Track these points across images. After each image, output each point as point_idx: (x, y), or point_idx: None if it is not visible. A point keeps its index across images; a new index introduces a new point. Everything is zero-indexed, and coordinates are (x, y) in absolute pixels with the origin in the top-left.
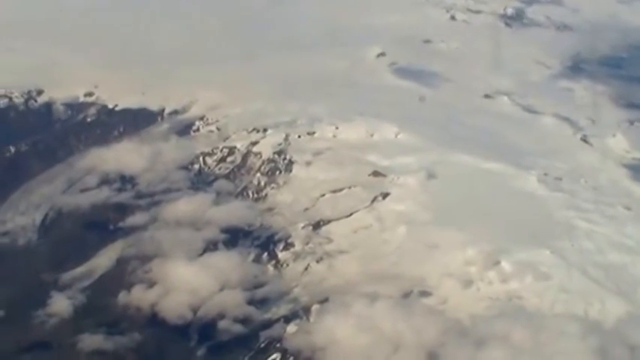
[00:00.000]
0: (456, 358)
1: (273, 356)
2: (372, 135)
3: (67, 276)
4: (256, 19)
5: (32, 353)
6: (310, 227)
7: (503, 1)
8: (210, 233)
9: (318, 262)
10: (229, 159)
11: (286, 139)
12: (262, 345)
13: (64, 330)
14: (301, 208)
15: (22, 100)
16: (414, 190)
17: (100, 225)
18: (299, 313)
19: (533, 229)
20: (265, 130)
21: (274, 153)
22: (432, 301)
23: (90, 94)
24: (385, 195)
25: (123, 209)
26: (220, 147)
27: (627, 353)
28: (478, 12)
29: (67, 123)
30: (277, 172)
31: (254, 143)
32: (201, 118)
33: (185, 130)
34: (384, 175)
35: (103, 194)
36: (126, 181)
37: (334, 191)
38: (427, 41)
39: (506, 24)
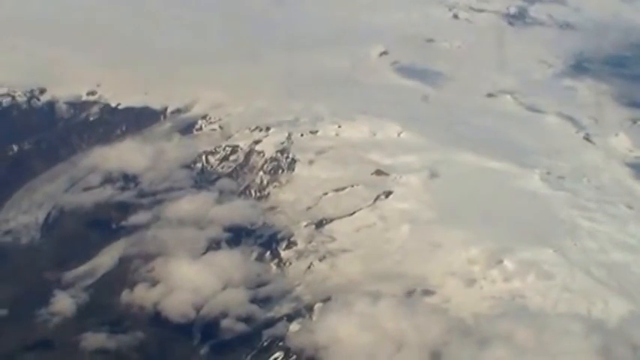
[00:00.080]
0: (459, 357)
1: (276, 355)
2: (374, 134)
3: (69, 275)
4: (259, 18)
5: (35, 352)
6: (313, 226)
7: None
8: (213, 232)
9: (320, 260)
10: (232, 158)
11: (289, 137)
12: (265, 343)
13: (67, 329)
14: (304, 207)
15: (24, 98)
16: (417, 189)
17: (102, 224)
18: (302, 312)
19: (536, 228)
20: (268, 128)
21: (277, 152)
22: (435, 300)
23: (93, 93)
24: (388, 194)
25: (125, 208)
26: (223, 146)
27: (630, 352)
28: (481, 11)
29: (69, 122)
30: (280, 171)
31: (257, 142)
32: (204, 117)
33: (188, 128)
34: (386, 174)
35: (106, 193)
36: (129, 179)
37: (337, 190)
38: (430, 40)
39: (509, 23)
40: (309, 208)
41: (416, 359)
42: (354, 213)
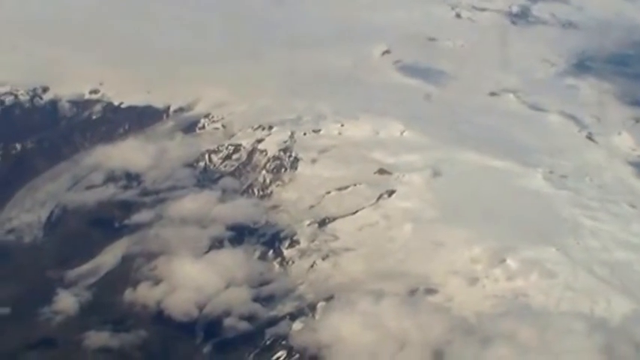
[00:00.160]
0: (461, 355)
1: (279, 353)
2: (377, 133)
3: (72, 273)
4: (261, 16)
5: (38, 350)
6: (316, 225)
7: None
8: (215, 231)
9: (323, 259)
10: (235, 156)
11: (292, 136)
12: (268, 342)
13: (70, 327)
14: (307, 206)
15: (27, 97)
16: (420, 188)
17: (105, 222)
18: (305, 311)
19: (538, 226)
20: (271, 127)
21: (280, 150)
22: (438, 299)
23: (95, 92)
24: (391, 192)
25: (128, 207)
26: (226, 144)
27: (633, 351)
28: (483, 10)
29: (72, 120)
30: (283, 170)
31: (259, 141)
32: (207, 116)
33: (190, 127)
34: (389, 173)
35: (109, 192)
36: (131, 178)
37: (340, 189)
38: (432, 39)
39: (512, 22)
40: (311, 206)
41: (418, 358)
42: (356, 212)
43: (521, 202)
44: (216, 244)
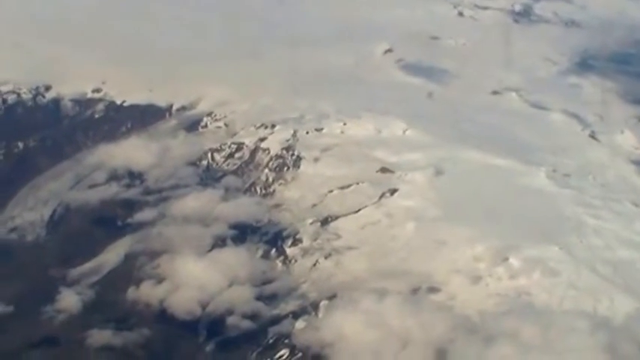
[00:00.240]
0: (464, 354)
1: (282, 352)
2: (379, 131)
3: (75, 272)
4: (264, 15)
5: (41, 349)
6: (318, 223)
7: None
8: (218, 229)
9: (326, 258)
10: (237, 155)
11: (294, 135)
12: (271, 341)
13: (73, 326)
14: (309, 204)
15: (30, 96)
16: (422, 187)
17: (108, 221)
18: (307, 309)
19: (541, 225)
20: (273, 126)
21: (282, 149)
22: (441, 298)
23: (98, 90)
24: (393, 191)
25: (131, 205)
26: (228, 143)
27: (636, 350)
28: (486, 8)
29: (75, 119)
30: (285, 168)
31: (262, 139)
32: (209, 114)
33: (193, 126)
34: (392, 172)
35: (112, 190)
36: (134, 177)
37: (342, 187)
38: (435, 38)
39: (514, 20)
40: (314, 205)
41: (421, 357)
42: (359, 210)
43: (523, 201)
44: (219, 242)
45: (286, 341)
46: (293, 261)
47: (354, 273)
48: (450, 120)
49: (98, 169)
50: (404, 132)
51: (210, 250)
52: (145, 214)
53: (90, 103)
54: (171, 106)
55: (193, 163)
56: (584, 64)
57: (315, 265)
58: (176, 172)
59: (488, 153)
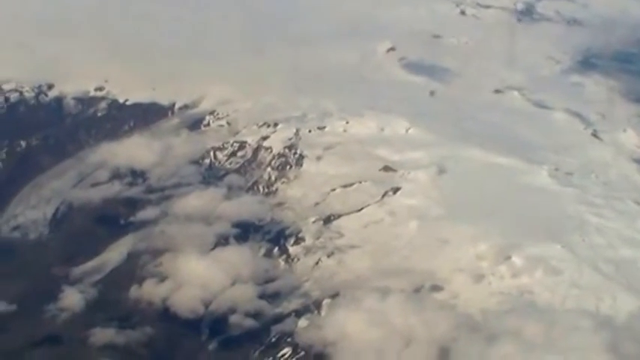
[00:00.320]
0: (467, 352)
1: (284, 351)
2: (382, 130)
3: (78, 270)
4: (266, 13)
5: (44, 347)
6: (321, 222)
7: None
8: (221, 228)
9: (328, 256)
10: (240, 153)
11: (297, 133)
12: (273, 339)
13: (76, 324)
14: (312, 203)
15: (32, 94)
16: (425, 185)
17: (110, 219)
18: (310, 308)
19: (544, 224)
20: (276, 124)
21: (285, 147)
22: (444, 296)
23: (100, 89)
24: (396, 190)
25: (134, 204)
26: (231, 141)
27: (639, 348)
28: (488, 7)
29: (77, 117)
30: (288, 167)
31: (264, 138)
32: (212, 113)
33: (196, 124)
34: (394, 170)
35: (114, 189)
36: (137, 175)
37: (345, 186)
38: (437, 36)
39: (517, 19)
40: (317, 204)
41: (424, 355)
42: (362, 209)
43: (526, 200)
44: (222, 241)
45: (289, 340)
46: (295, 259)
47: (357, 271)
48: (453, 118)
49: (101, 167)
50: (406, 130)
51: (212, 249)
52: (147, 213)
53: (92, 101)
54: (173, 105)
55: (196, 162)
56: (587, 63)
57: (317, 263)
58: (179, 171)
59: (490, 151)
